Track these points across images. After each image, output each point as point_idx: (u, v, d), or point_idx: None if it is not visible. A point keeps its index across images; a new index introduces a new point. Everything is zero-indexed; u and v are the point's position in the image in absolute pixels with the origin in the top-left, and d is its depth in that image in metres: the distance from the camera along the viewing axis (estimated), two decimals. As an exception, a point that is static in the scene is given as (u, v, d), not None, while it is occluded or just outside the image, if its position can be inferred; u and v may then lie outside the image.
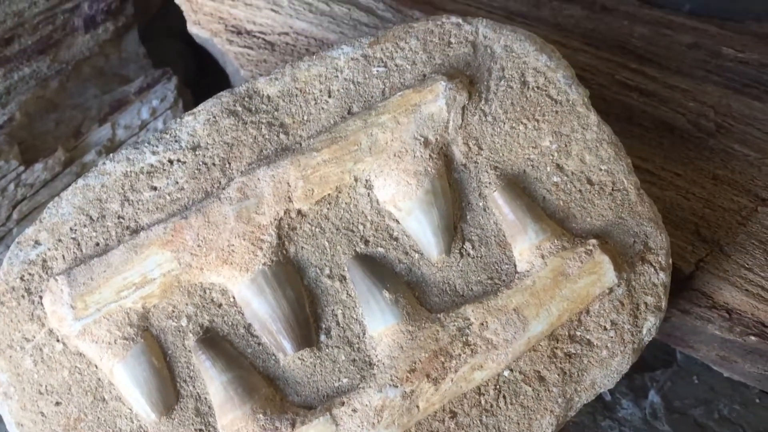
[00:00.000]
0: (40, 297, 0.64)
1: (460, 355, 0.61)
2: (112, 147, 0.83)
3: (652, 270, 0.64)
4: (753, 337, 0.72)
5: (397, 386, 0.61)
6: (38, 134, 0.82)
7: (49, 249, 0.65)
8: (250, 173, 0.64)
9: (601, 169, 0.66)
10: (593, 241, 0.63)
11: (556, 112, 0.66)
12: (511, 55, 0.67)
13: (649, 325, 0.64)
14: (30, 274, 0.65)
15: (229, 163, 0.65)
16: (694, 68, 0.86)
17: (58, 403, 0.63)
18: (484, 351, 0.61)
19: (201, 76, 1.07)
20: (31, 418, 0.63)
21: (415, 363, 0.61)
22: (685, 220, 0.75)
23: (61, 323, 0.62)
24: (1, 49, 0.85)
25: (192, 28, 0.90)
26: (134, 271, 0.62)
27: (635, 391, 0.88)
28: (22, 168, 0.78)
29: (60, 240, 0.65)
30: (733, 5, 1.14)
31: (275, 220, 0.63)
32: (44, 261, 0.65)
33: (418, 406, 0.61)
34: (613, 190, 0.65)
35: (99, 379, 0.63)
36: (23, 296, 0.64)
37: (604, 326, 0.64)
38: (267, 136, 0.66)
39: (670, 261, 0.65)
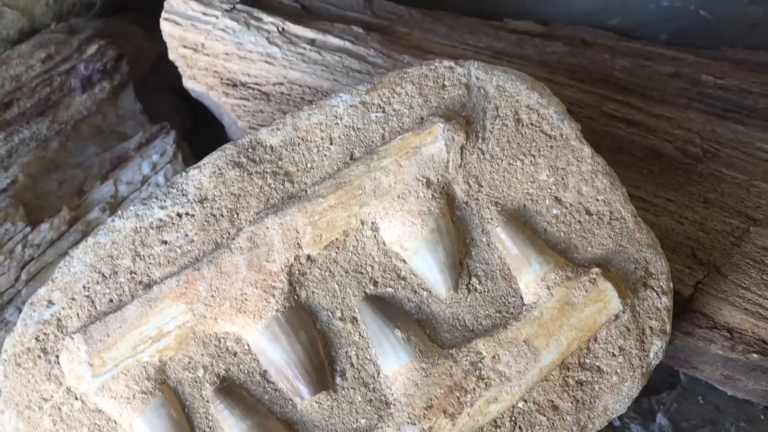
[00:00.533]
0: (57, 356, 0.65)
1: (474, 389, 0.63)
2: (115, 203, 0.84)
3: (655, 295, 0.66)
4: (755, 355, 0.74)
5: (415, 423, 0.62)
6: (42, 195, 0.83)
7: (63, 308, 0.66)
8: (258, 222, 0.65)
9: (598, 200, 0.68)
10: (596, 269, 0.65)
11: (551, 146, 0.68)
12: (504, 95, 0.69)
13: (656, 348, 0.66)
14: (45, 334, 0.65)
15: (237, 214, 0.67)
16: (677, 96, 0.89)
17: (78, 462, 0.64)
18: (498, 384, 0.63)
19: (197, 129, 1.08)
20: (51, 478, 0.64)
21: (431, 399, 0.62)
22: (681, 244, 0.77)
23: (79, 381, 0.63)
24: (1, 113, 0.86)
25: (187, 83, 0.92)
26: (150, 325, 0.63)
27: (643, 415, 0.89)
28: (28, 229, 0.79)
29: (73, 299, 0.66)
30: (706, 34, 1.18)
31: (286, 266, 0.65)
32: (59, 320, 0.65)
33: (436, 443, 0.62)
34: (611, 219, 0.67)
35: (119, 435, 0.64)
36: (39, 356, 0.65)
37: (613, 352, 0.65)
38: (273, 185, 0.67)
39: (671, 285, 0.67)
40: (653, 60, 0.96)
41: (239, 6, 0.90)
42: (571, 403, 0.64)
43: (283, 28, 0.88)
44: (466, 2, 1.20)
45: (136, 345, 0.63)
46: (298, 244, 0.65)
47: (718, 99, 0.89)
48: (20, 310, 0.78)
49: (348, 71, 0.86)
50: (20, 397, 0.65)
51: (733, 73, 0.93)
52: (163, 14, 0.91)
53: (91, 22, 1.01)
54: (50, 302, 0.66)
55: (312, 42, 0.88)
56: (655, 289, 0.66)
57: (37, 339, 0.65)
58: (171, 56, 0.93)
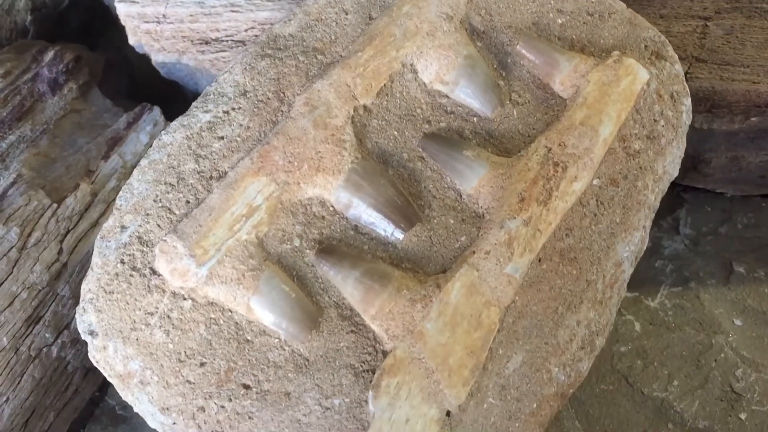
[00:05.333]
0: (151, 269, 0.63)
1: (554, 174, 0.66)
2: (128, 170, 0.83)
3: (668, 64, 0.73)
4: (753, 119, 0.82)
5: (514, 217, 0.65)
6: (53, 179, 0.80)
7: (140, 225, 0.64)
8: (309, 89, 0.67)
9: (592, 2, 0.75)
10: (616, 52, 0.71)
11: (537, -31, 0.75)
12: (481, -60, 0.76)
13: (685, 108, 0.72)
14: (129, 254, 0.64)
15: (284, 92, 0.68)
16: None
17: (202, 364, 0.62)
18: (572, 163, 0.67)
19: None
20: (178, 392, 0.61)
21: (520, 194, 0.66)
22: (658, 50, 0.86)
23: (185, 277, 0.62)
24: (-21, 126, 0.84)
25: (158, 57, 0.93)
26: (238, 204, 0.63)
27: (668, 232, 0.95)
28: (55, 205, 0.76)
29: (148, 214, 0.65)
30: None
31: (348, 119, 0.67)
32: (139, 237, 0.64)
33: (539, 230, 0.65)
34: (609, 13, 0.74)
35: (237, 323, 0.62)
36: (131, 275, 0.63)
37: (654, 119, 0.71)
38: (306, 62, 0.70)
39: (676, 54, 0.74)
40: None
41: (188, -26, 0.93)
42: (636, 170, 0.69)
43: (238, -20, 0.92)
44: None
45: (231, 225, 0.63)
46: (353, 95, 0.67)
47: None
48: (69, 284, 0.75)
49: (313, -2, 0.90)
50: (122, 323, 0.62)
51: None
52: (117, -2, 0.92)
53: (34, 41, 1.00)
54: (123, 227, 0.65)
55: (270, -17, 0.92)
56: (667, 59, 0.73)
57: (122, 262, 0.64)
58: (132, 40, 0.93)
